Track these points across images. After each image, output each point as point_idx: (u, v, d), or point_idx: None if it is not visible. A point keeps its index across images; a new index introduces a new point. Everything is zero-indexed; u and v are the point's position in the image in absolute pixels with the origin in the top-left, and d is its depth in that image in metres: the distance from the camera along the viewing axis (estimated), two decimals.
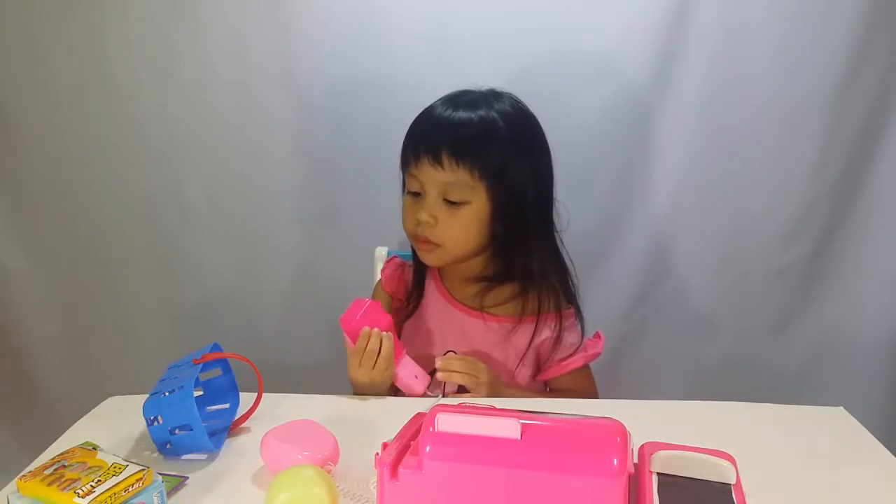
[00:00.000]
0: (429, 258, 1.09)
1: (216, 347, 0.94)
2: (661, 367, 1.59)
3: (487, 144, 1.02)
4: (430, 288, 1.14)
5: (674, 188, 1.49)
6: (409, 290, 1.15)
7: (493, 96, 1.06)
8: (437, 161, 1.01)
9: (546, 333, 1.10)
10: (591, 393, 1.13)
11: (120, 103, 1.47)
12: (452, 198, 1.03)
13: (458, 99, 1.06)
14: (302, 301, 1.58)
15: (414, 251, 1.14)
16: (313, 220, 1.54)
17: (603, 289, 1.52)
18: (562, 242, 1.11)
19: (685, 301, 1.55)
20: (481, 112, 1.03)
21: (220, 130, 1.48)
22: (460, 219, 1.03)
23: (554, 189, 1.11)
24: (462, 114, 1.03)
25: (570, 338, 1.11)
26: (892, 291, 1.52)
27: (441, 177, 1.02)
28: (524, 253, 1.07)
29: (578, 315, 1.13)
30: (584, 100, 1.43)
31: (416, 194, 1.05)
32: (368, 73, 1.42)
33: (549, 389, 1.15)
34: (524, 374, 1.11)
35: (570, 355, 1.10)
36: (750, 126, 1.44)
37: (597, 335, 1.14)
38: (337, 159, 1.50)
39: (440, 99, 1.08)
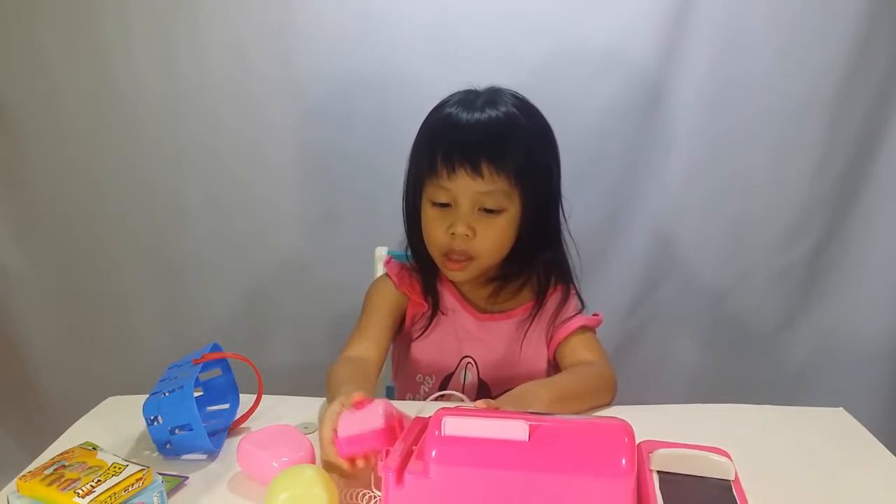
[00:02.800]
0: (459, 274, 1.03)
1: (216, 347, 0.94)
2: (661, 368, 1.59)
3: (522, 149, 0.98)
4: (444, 294, 1.11)
5: (674, 189, 1.49)
6: (423, 293, 1.10)
7: (500, 94, 1.02)
8: (477, 172, 0.95)
9: (552, 306, 1.08)
10: (604, 360, 1.06)
11: (121, 104, 1.47)
12: (490, 206, 0.97)
13: (475, 101, 0.99)
14: (302, 301, 1.58)
15: (418, 261, 1.09)
16: (313, 221, 1.54)
17: (603, 289, 1.52)
18: (569, 232, 1.08)
19: (685, 302, 1.55)
20: (506, 114, 0.98)
21: (220, 131, 1.49)
22: (498, 228, 0.99)
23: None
24: (490, 117, 0.97)
25: (572, 302, 1.10)
26: (892, 292, 1.52)
27: (479, 187, 0.96)
28: (538, 247, 1.05)
29: (578, 293, 1.11)
30: (584, 100, 1.43)
31: (444, 205, 0.99)
32: (369, 73, 1.43)
33: (562, 367, 1.09)
34: (542, 358, 1.09)
35: (573, 316, 1.08)
36: (750, 126, 1.44)
37: (595, 314, 1.13)
38: (337, 159, 1.50)
39: (452, 102, 1.01)
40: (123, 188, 1.53)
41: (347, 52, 1.42)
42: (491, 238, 1.00)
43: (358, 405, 0.76)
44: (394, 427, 0.74)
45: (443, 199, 0.99)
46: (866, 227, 1.50)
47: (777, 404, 0.95)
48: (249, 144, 1.49)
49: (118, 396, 1.02)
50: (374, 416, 0.74)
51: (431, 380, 1.12)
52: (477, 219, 0.98)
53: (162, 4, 1.42)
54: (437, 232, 1.01)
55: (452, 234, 0.99)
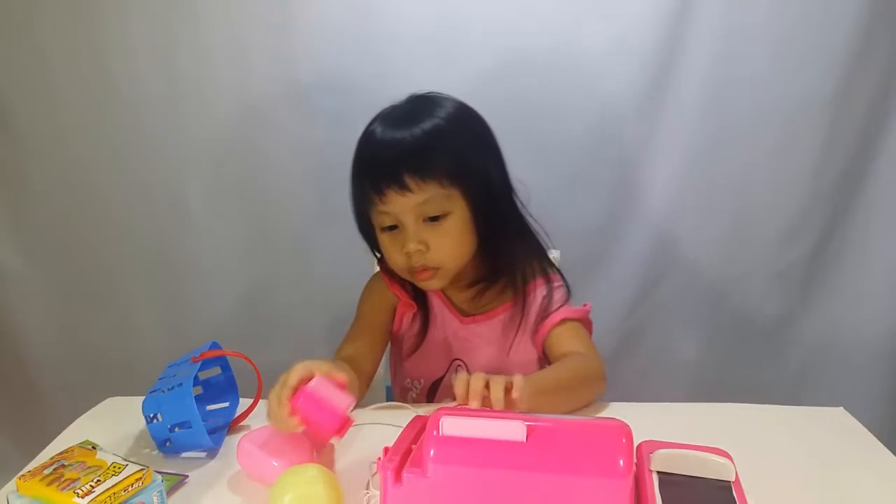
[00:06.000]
0: (431, 284, 1.03)
1: (215, 345, 0.94)
2: (660, 368, 1.59)
3: (444, 149, 0.97)
4: (431, 298, 1.11)
5: (674, 189, 1.49)
6: (411, 297, 1.10)
7: (422, 102, 1.02)
8: (403, 187, 0.94)
9: (538, 298, 1.07)
10: (590, 350, 1.03)
11: (120, 104, 1.47)
12: (433, 213, 0.97)
13: (392, 116, 1.00)
14: (301, 300, 1.58)
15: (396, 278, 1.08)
16: (313, 220, 1.54)
17: (603, 289, 1.52)
18: (530, 215, 1.08)
19: (685, 301, 1.55)
20: (423, 121, 0.97)
21: (220, 130, 1.48)
22: (449, 231, 0.98)
23: (507, 167, 1.06)
24: (406, 130, 0.97)
25: (558, 294, 1.07)
26: (892, 291, 1.52)
27: (412, 200, 0.95)
28: (506, 240, 1.04)
29: (563, 281, 1.10)
30: (583, 101, 1.43)
31: (393, 227, 1.00)
32: (368, 72, 1.42)
33: (551, 361, 1.07)
34: (532, 356, 1.08)
35: (556, 310, 1.06)
36: (750, 126, 1.44)
37: (584, 305, 1.11)
38: (337, 159, 1.48)
39: (374, 122, 1.02)
40: (123, 188, 1.53)
41: (347, 52, 1.42)
42: (446, 244, 0.99)
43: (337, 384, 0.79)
44: (346, 421, 0.77)
45: (388, 223, 0.99)
46: (866, 226, 1.50)
47: (777, 404, 0.95)
48: (249, 143, 1.49)
49: (118, 397, 1.02)
50: (344, 399, 0.78)
51: (420, 384, 1.12)
52: (426, 230, 0.98)
53: (162, 5, 1.41)
54: (394, 255, 1.01)
55: (408, 253, 0.98)
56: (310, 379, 0.78)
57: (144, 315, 1.61)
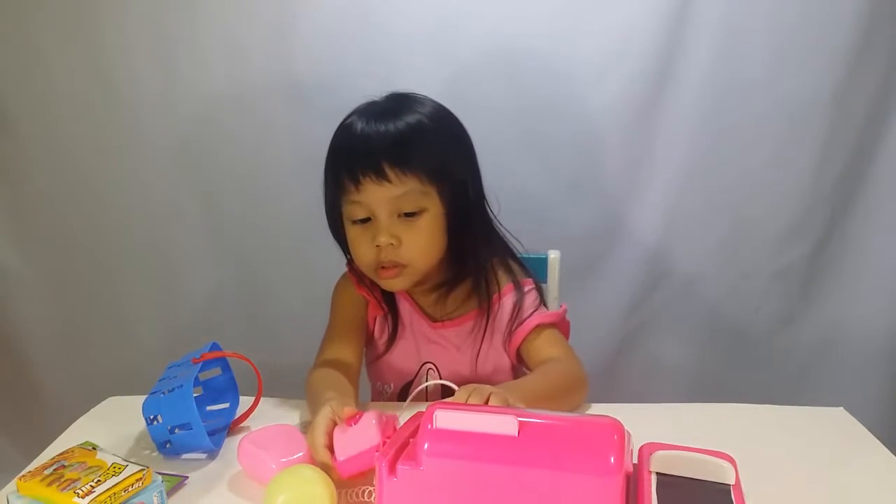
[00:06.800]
0: (396, 284, 1.00)
1: (215, 346, 0.94)
2: (661, 369, 1.59)
3: (426, 145, 0.96)
4: (399, 301, 1.10)
5: (674, 190, 1.48)
6: (380, 299, 1.09)
7: (403, 99, 1.01)
8: (382, 177, 0.93)
9: (509, 305, 1.05)
10: (569, 356, 1.02)
11: (119, 104, 1.47)
12: (408, 209, 0.95)
13: (372, 109, 0.99)
14: (301, 300, 1.58)
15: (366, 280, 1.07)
16: (313, 220, 1.53)
17: (603, 290, 1.52)
18: (499, 223, 1.07)
19: (685, 302, 1.55)
20: (406, 115, 0.96)
21: (219, 130, 1.48)
22: (423, 229, 0.97)
23: (480, 172, 1.05)
24: (389, 122, 0.95)
25: (529, 299, 1.05)
26: (891, 291, 1.52)
27: (389, 192, 0.93)
28: (473, 244, 1.03)
29: (536, 286, 1.09)
30: (584, 100, 1.43)
31: (364, 220, 0.97)
32: (366, 71, 1.42)
33: (528, 368, 1.06)
34: (504, 363, 1.08)
35: (529, 316, 1.04)
36: (750, 127, 1.44)
37: (561, 307, 1.09)
38: None
39: (352, 116, 1.01)
40: (123, 187, 1.53)
41: (345, 51, 1.42)
42: (418, 241, 0.97)
43: (349, 420, 0.75)
44: (391, 437, 0.73)
45: (360, 215, 0.97)
46: (866, 227, 1.50)
47: (777, 404, 0.95)
48: (249, 143, 1.49)
49: (118, 396, 1.02)
50: (369, 431, 0.73)
51: (390, 388, 1.11)
52: (399, 225, 0.96)
53: (160, 6, 1.41)
54: (363, 249, 0.99)
55: (377, 246, 0.96)
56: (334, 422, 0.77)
57: (144, 314, 1.61)
